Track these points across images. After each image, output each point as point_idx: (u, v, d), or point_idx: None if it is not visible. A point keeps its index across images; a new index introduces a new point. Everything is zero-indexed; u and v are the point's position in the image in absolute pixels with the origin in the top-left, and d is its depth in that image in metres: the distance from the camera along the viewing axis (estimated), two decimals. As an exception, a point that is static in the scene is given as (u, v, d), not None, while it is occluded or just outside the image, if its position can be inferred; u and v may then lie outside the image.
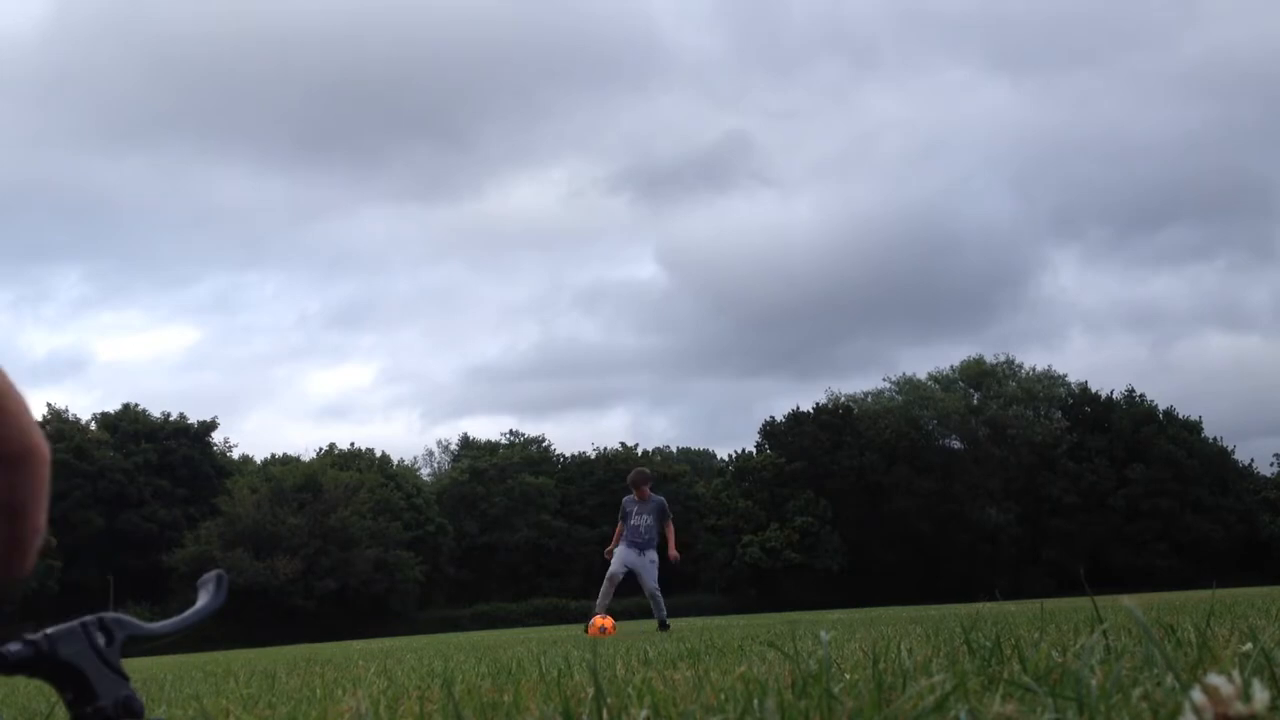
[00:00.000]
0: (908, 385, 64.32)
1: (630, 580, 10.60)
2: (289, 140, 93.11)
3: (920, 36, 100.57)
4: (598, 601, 10.48)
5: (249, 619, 45.22)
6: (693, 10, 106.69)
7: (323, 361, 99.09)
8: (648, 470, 11.23)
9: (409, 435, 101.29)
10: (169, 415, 58.91)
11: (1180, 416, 62.78)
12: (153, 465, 55.58)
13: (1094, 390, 64.37)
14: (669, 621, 10.49)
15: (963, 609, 7.53)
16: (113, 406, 58.84)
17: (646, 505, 10.77)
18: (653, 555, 10.61)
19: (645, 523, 10.63)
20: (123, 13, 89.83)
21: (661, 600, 10.56)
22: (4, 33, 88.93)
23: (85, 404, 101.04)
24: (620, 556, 10.59)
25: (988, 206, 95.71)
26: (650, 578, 10.52)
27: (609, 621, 10.31)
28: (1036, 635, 2.17)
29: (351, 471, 56.01)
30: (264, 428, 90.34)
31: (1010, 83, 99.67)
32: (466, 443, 66.62)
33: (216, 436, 60.91)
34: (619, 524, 10.84)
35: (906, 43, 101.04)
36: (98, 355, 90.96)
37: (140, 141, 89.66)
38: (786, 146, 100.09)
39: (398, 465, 62.23)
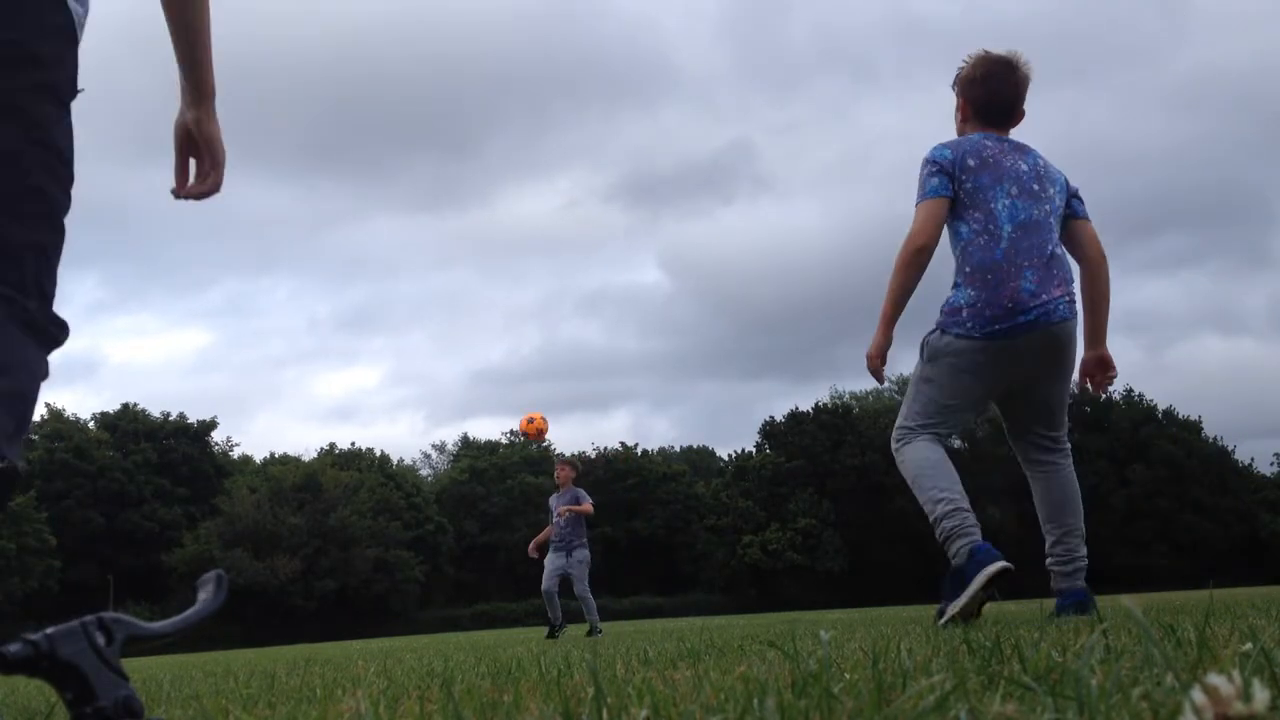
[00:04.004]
0: (907, 385, 64.37)
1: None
2: (302, 151, 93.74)
3: (917, 52, 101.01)
4: (550, 618, 9.84)
5: (249, 619, 45.21)
6: (698, 28, 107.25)
7: (331, 364, 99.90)
8: (570, 458, 10.41)
9: (413, 437, 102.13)
10: (169, 415, 58.93)
11: (1180, 416, 62.75)
12: (153, 465, 55.56)
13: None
14: (601, 627, 9.66)
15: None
16: (113, 406, 58.92)
17: (563, 498, 9.92)
18: (581, 555, 9.80)
19: (565, 518, 9.83)
20: (139, 28, 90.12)
21: (593, 604, 9.71)
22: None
23: (94, 405, 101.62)
24: (549, 568, 9.84)
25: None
26: (580, 580, 9.71)
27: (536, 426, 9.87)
28: (1036, 635, 2.17)
29: (351, 471, 56.02)
30: (272, 429, 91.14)
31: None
32: (466, 442, 66.64)
33: (217, 436, 60.97)
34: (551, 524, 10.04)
35: (903, 59, 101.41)
36: (110, 358, 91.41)
37: (157, 153, 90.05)
38: (788, 157, 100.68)
39: (397, 465, 62.27)
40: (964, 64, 4.18)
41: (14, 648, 0.87)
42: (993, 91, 4.07)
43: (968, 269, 3.84)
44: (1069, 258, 4.00)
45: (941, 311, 3.94)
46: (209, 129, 2.07)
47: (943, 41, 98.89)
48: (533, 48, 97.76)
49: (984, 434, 60.05)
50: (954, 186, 3.89)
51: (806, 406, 63.48)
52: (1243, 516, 59.30)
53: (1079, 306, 3.95)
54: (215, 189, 2.04)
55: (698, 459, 73.49)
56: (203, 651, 23.44)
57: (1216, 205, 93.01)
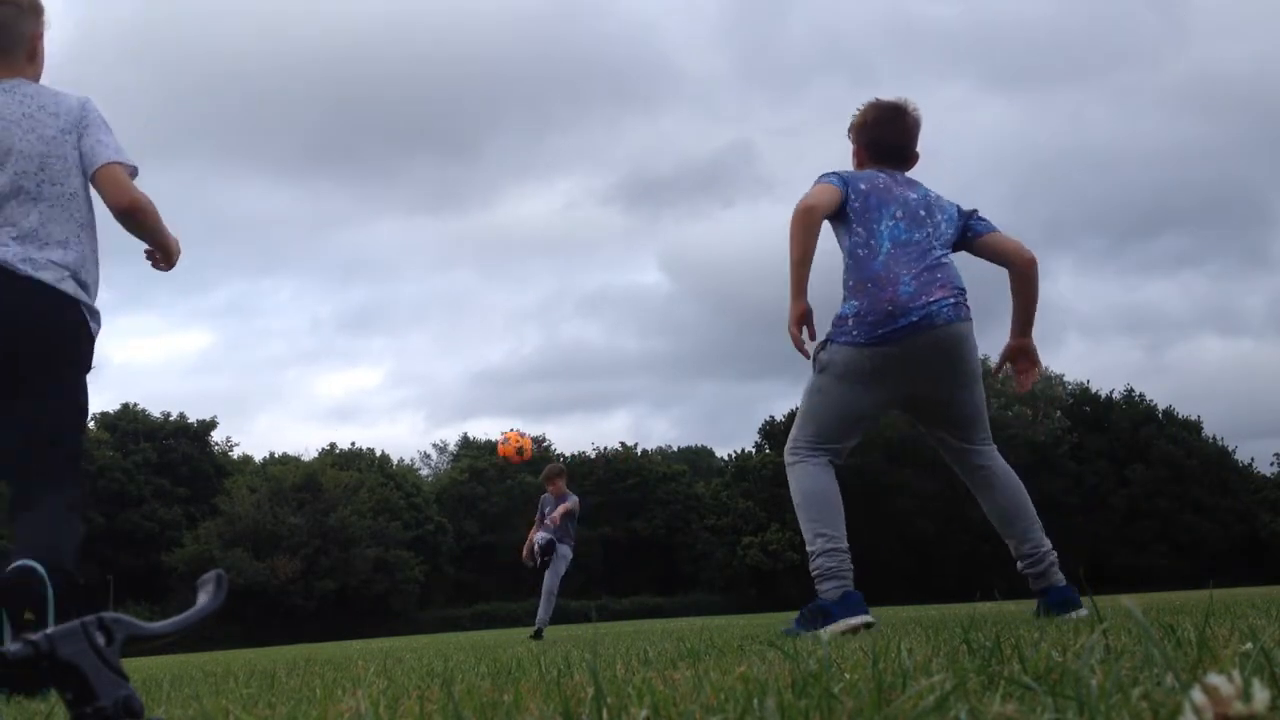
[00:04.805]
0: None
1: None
2: (304, 153, 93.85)
3: (916, 54, 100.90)
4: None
5: (249, 619, 45.20)
6: (698, 30, 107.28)
7: (332, 365, 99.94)
8: (558, 468, 10.88)
9: (413, 437, 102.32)
10: (169, 415, 58.91)
11: (1180, 416, 62.72)
12: (152, 464, 55.55)
13: (1093, 390, 64.34)
14: (545, 633, 9.72)
15: (963, 609, 7.54)
16: (113, 406, 58.91)
17: (557, 500, 10.47)
18: (564, 551, 10.17)
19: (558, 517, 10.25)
20: (142, 35, 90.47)
21: (553, 603, 10.00)
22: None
23: (95, 405, 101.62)
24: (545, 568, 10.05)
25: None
26: (554, 573, 10.01)
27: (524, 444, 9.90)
28: (1036, 635, 2.17)
29: (351, 471, 56.00)
30: (274, 429, 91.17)
31: (1005, 98, 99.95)
32: (466, 442, 66.60)
33: (217, 436, 60.96)
34: (536, 522, 10.39)
35: (903, 61, 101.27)
36: (112, 358, 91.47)
37: (161, 157, 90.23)
38: (788, 160, 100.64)
39: (397, 465, 62.25)
40: (856, 112, 4.35)
41: (14, 648, 0.87)
42: (883, 137, 4.26)
43: (851, 283, 3.97)
44: (955, 266, 4.08)
45: (831, 325, 4.05)
46: (171, 248, 3.54)
47: (942, 43, 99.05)
48: (533, 49, 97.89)
49: (984, 434, 60.03)
50: (845, 195, 4.05)
51: (806, 406, 63.42)
52: (1243, 516, 59.27)
53: (970, 310, 4.01)
54: (170, 266, 3.61)
55: (697, 459, 73.46)
56: (203, 651, 23.44)
57: (1216, 206, 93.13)
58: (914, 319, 3.85)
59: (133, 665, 6.11)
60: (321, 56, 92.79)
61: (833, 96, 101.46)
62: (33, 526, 2.96)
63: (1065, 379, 65.28)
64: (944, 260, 4.02)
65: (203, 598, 1.02)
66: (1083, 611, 3.80)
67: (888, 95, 4.32)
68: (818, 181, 4.10)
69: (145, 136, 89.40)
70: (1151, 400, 63.20)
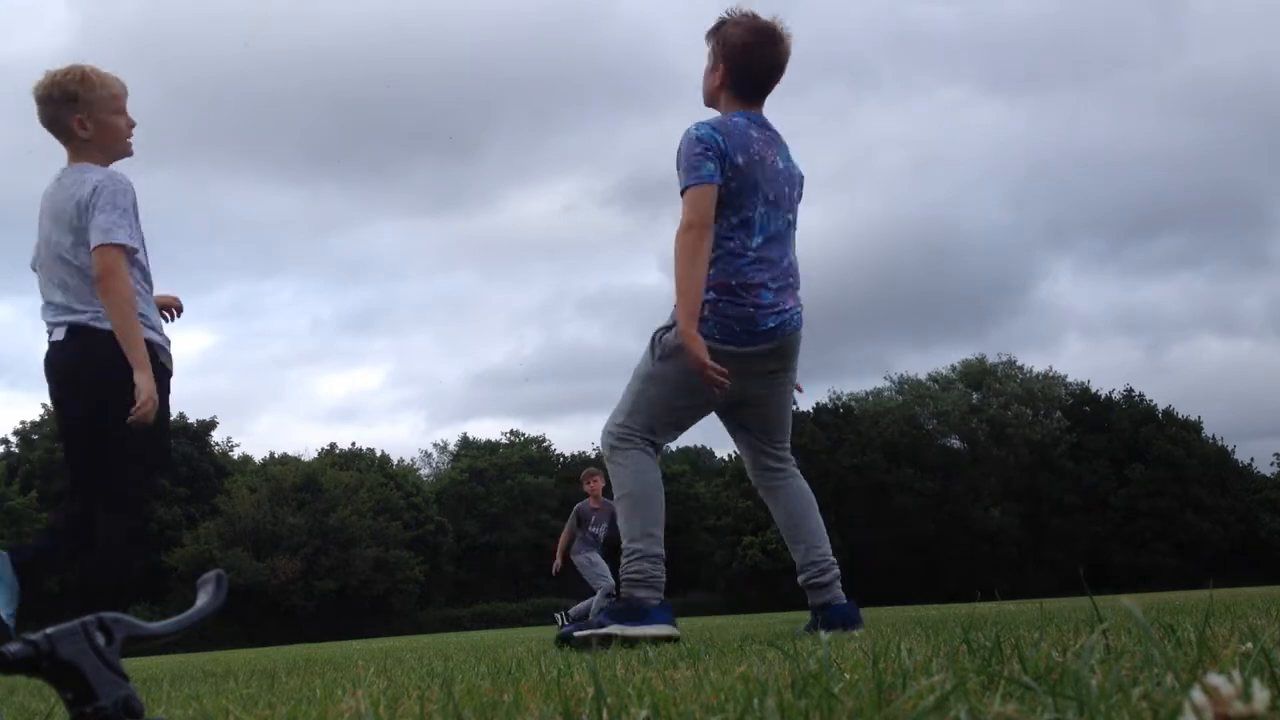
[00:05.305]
0: (907, 384, 64.35)
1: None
2: (306, 154, 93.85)
3: (916, 58, 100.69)
4: (576, 609, 9.47)
5: (249, 619, 45.19)
6: (699, 31, 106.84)
7: (333, 365, 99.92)
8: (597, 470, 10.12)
9: (414, 437, 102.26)
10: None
11: (1179, 416, 62.72)
12: (153, 465, 55.55)
13: (1094, 390, 64.36)
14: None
15: (963, 609, 7.52)
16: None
17: (603, 513, 9.60)
18: (596, 562, 9.66)
19: (605, 532, 9.54)
20: (143, 36, 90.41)
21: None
22: (30, 56, 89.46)
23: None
24: (605, 568, 9.50)
25: (984, 219, 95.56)
26: (596, 586, 9.42)
27: None
28: (1036, 635, 2.17)
29: (351, 471, 56.00)
30: (274, 430, 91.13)
31: (1005, 101, 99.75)
32: (466, 442, 66.62)
33: (217, 436, 60.94)
34: (567, 531, 9.58)
35: (903, 65, 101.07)
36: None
37: (162, 158, 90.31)
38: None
39: (397, 465, 62.26)
40: (727, 20, 3.90)
41: (14, 648, 0.87)
42: (755, 65, 3.88)
43: (711, 270, 3.78)
44: (798, 265, 4.04)
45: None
46: (145, 386, 3.66)
47: (942, 45, 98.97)
48: (534, 50, 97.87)
49: (984, 435, 60.08)
50: (722, 176, 3.76)
51: (806, 407, 63.49)
52: (1243, 516, 59.27)
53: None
54: (145, 418, 3.65)
55: (697, 459, 73.45)
56: (203, 651, 23.43)
57: (1215, 207, 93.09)
58: (770, 325, 3.82)
59: (133, 665, 6.11)
60: (321, 56, 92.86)
61: (833, 98, 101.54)
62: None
63: (1066, 379, 65.29)
64: (793, 256, 3.96)
65: (203, 598, 1.02)
66: (861, 628, 3.75)
67: (764, 14, 3.92)
68: (701, 173, 3.71)
69: (145, 137, 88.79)
70: (1151, 400, 63.20)
